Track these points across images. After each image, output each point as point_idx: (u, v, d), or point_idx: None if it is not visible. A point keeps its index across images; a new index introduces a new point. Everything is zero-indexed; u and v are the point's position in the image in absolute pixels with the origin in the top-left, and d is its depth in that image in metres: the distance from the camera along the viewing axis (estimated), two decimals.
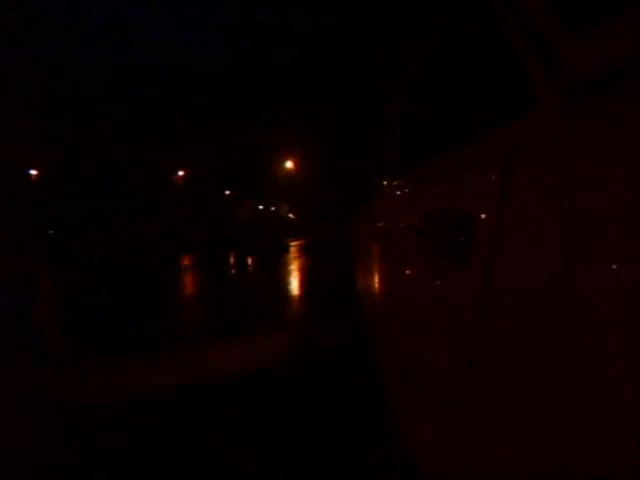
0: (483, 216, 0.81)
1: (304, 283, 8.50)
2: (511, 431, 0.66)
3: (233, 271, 12.19)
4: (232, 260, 14.84)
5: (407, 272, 1.43)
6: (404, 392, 1.39)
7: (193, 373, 3.25)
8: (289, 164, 39.29)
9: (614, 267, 0.48)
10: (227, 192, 43.06)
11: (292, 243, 21.19)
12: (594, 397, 0.49)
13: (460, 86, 1.17)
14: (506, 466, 0.68)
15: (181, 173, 35.82)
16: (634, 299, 0.45)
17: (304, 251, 16.96)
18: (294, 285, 8.36)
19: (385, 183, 2.48)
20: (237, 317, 5.33)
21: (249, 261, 14.16)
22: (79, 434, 2.45)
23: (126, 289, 9.09)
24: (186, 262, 14.79)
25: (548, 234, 0.61)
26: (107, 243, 20.61)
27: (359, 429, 2.21)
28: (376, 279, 2.18)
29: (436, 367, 1.02)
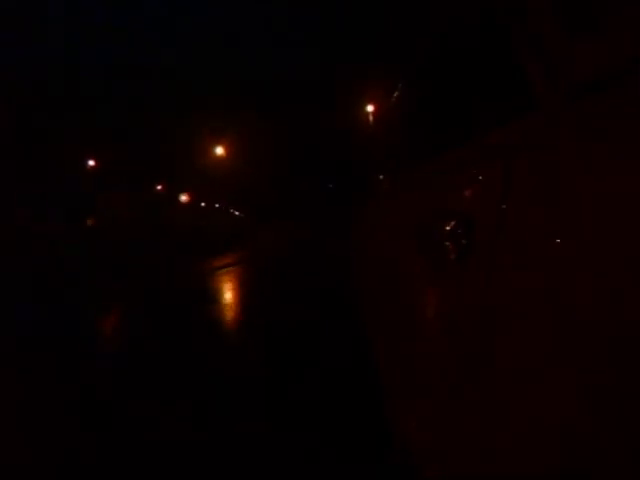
0: (483, 216, 0.81)
1: None
2: (511, 431, 0.66)
3: None
4: None
5: (407, 273, 1.43)
6: (405, 393, 1.39)
7: None
8: (220, 151, 30.26)
9: (614, 266, 0.49)
10: (158, 187, 34.40)
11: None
12: (594, 395, 0.50)
13: (460, 86, 1.17)
14: (506, 466, 0.68)
15: (91, 163, 27.57)
16: (634, 298, 0.45)
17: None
18: None
19: (385, 182, 2.48)
20: None
21: None
22: None
23: None
24: None
25: (548, 233, 0.61)
26: None
27: None
28: (376, 279, 2.18)
29: (436, 368, 1.02)
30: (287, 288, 6.91)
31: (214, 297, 6.54)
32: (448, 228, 0.98)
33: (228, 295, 6.82)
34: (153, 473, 1.99)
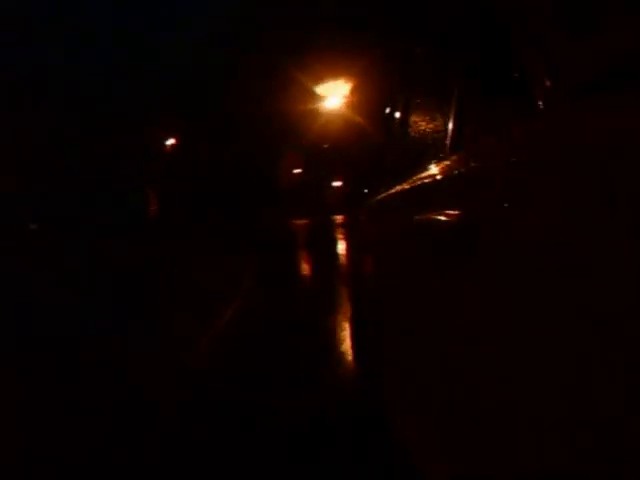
0: (484, 217, 0.81)
1: None
2: (512, 432, 0.66)
3: None
4: None
5: (408, 274, 1.43)
6: (405, 394, 1.39)
7: None
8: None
9: (615, 266, 0.49)
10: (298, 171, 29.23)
11: None
12: (595, 397, 0.50)
13: (461, 86, 1.17)
14: (506, 466, 0.68)
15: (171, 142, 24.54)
16: (634, 297, 0.45)
17: None
18: None
19: (386, 181, 2.48)
20: None
21: None
22: None
23: None
24: None
25: (549, 234, 0.61)
26: None
27: None
28: (376, 279, 2.18)
29: (437, 369, 1.02)
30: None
31: None
32: (449, 229, 0.98)
33: None
34: None
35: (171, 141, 24.84)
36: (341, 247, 11.08)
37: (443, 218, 1.03)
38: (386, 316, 1.77)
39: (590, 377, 0.51)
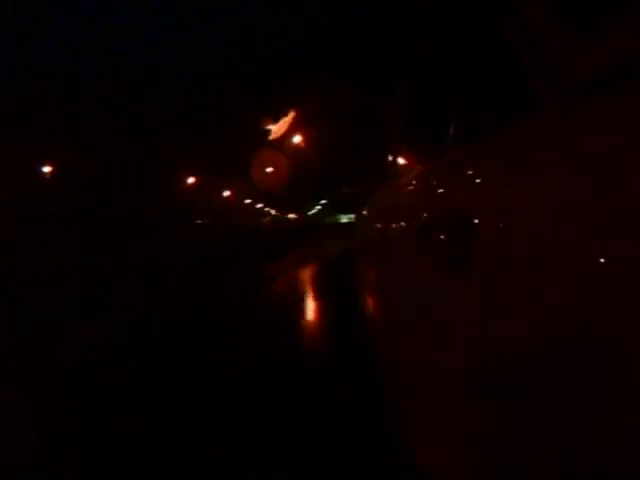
0: (484, 216, 0.81)
1: None
2: (510, 434, 0.66)
3: None
4: None
5: (408, 275, 1.43)
6: (407, 393, 1.39)
7: None
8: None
9: (614, 266, 0.49)
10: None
11: None
12: (596, 397, 0.50)
13: (461, 87, 1.17)
14: (507, 466, 0.68)
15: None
16: (633, 296, 0.45)
17: None
18: None
19: (386, 181, 2.47)
20: None
21: None
22: None
23: None
24: None
25: (549, 234, 0.61)
26: None
27: None
28: (377, 280, 2.18)
29: (438, 368, 1.02)
30: None
31: None
32: (449, 228, 0.98)
33: None
34: None
35: None
36: None
37: (443, 217, 1.03)
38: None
39: (590, 377, 0.51)
